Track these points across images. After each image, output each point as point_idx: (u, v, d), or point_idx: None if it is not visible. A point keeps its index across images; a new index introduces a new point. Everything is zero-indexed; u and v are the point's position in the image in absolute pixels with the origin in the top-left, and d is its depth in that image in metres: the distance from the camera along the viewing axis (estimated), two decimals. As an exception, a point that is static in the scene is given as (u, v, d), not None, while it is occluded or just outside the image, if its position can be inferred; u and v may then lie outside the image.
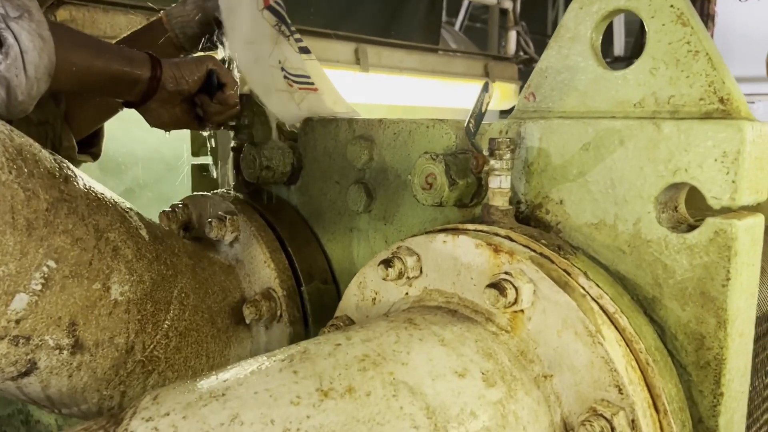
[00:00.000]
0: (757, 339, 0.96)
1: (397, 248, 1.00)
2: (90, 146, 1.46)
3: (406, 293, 1.01)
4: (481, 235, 0.95)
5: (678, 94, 0.90)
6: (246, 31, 1.35)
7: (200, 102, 1.27)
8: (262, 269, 1.28)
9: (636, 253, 0.92)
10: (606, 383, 0.82)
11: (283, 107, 1.36)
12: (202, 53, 1.44)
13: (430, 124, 1.15)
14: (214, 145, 1.58)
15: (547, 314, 0.86)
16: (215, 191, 1.46)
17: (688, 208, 0.93)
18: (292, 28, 1.41)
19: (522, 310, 0.88)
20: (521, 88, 3.94)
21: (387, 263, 0.98)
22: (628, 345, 0.84)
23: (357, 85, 2.91)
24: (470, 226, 0.99)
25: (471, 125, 0.99)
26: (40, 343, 0.94)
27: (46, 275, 0.91)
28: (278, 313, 1.26)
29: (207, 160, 1.69)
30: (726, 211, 0.86)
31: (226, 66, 1.35)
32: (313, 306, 1.29)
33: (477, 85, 3.76)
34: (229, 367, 0.78)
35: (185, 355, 1.15)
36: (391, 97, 3.22)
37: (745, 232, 0.84)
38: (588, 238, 0.96)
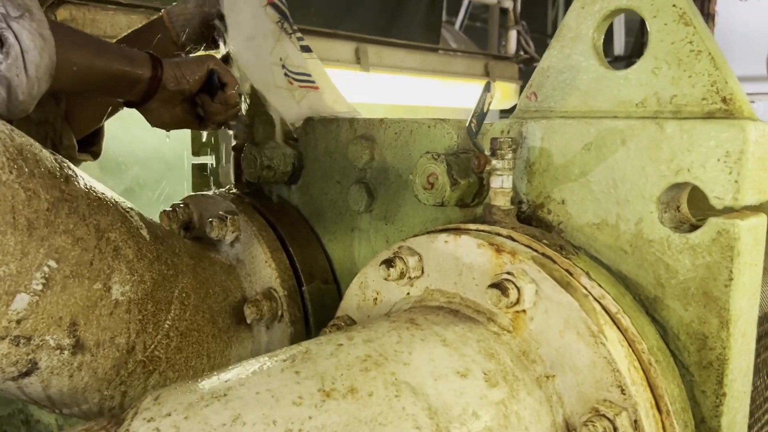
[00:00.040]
0: (759, 339, 0.95)
1: (399, 248, 1.00)
2: (90, 145, 1.45)
3: (408, 293, 1.01)
4: (483, 235, 0.95)
5: (680, 94, 0.90)
6: (248, 27, 1.35)
7: (201, 102, 1.27)
8: (263, 269, 1.28)
9: (638, 253, 0.91)
10: (608, 383, 0.81)
11: (284, 104, 1.36)
12: (203, 53, 1.44)
13: (431, 124, 1.15)
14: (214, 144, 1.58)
15: (549, 314, 0.86)
16: (216, 191, 1.46)
17: (689, 207, 0.93)
18: (294, 27, 1.41)
19: (524, 311, 0.87)
20: (522, 87, 3.95)
21: (388, 263, 0.98)
22: (630, 345, 0.84)
23: (357, 85, 2.91)
24: (472, 226, 0.99)
25: (473, 125, 0.99)
26: (40, 343, 0.93)
27: (47, 275, 0.91)
28: (279, 313, 1.26)
29: (208, 159, 1.69)
30: (728, 211, 0.86)
31: (226, 65, 1.35)
32: (314, 306, 1.29)
33: (477, 85, 3.76)
34: (230, 367, 0.78)
35: (186, 355, 1.15)
36: (392, 96, 3.21)
37: (747, 232, 0.84)
38: (590, 238, 0.96)
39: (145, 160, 2.32)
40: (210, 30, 1.40)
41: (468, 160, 1.05)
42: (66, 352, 0.97)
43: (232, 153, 1.45)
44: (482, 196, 1.08)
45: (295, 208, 1.40)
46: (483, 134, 1.05)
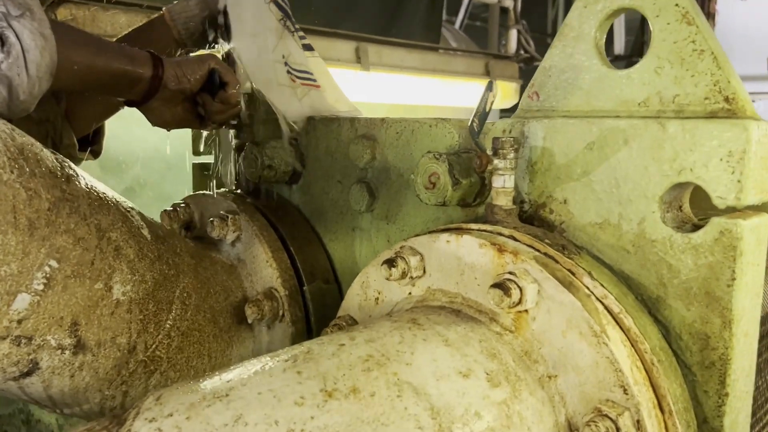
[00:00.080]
0: (761, 338, 0.95)
1: (400, 248, 0.99)
2: (91, 144, 1.45)
3: (410, 293, 1.00)
4: (485, 234, 0.95)
5: (683, 94, 0.90)
6: (251, 23, 1.34)
7: (202, 101, 1.27)
8: (264, 269, 1.27)
9: (640, 252, 0.91)
10: (611, 383, 0.81)
11: (285, 102, 1.35)
12: (203, 51, 1.44)
13: (432, 124, 1.15)
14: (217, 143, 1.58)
15: (551, 314, 0.86)
16: (217, 190, 1.45)
17: (691, 207, 0.93)
18: (296, 25, 1.41)
19: (526, 310, 0.87)
20: (522, 86, 3.95)
21: (390, 263, 0.97)
22: (632, 345, 0.84)
23: (358, 84, 2.91)
24: (474, 226, 0.98)
25: (475, 124, 0.99)
26: (42, 343, 0.93)
27: (48, 275, 0.91)
28: (280, 312, 1.25)
29: (209, 158, 1.68)
30: (731, 211, 0.86)
31: (227, 62, 1.35)
32: (315, 306, 1.29)
33: (478, 84, 3.75)
34: (232, 367, 0.78)
35: (187, 354, 1.15)
36: (392, 96, 3.21)
37: (750, 232, 0.84)
38: (592, 237, 0.96)
39: (145, 159, 2.32)
40: (212, 28, 1.39)
41: (469, 159, 1.05)
42: (67, 351, 0.97)
43: (233, 152, 1.45)
44: (484, 196, 1.08)
45: (296, 208, 1.40)
46: (485, 134, 1.05)
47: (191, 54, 1.40)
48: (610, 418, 0.79)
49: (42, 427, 1.96)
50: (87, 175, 1.03)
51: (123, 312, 1.02)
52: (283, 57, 1.37)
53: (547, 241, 0.93)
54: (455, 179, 1.03)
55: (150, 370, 1.09)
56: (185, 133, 1.61)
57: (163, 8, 1.41)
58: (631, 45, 6.22)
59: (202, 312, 1.17)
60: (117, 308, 1.01)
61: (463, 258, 0.94)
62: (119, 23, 1.99)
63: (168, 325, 1.10)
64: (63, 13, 1.89)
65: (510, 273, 0.87)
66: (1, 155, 0.86)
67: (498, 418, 0.79)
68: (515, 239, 0.93)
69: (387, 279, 0.99)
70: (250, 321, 1.23)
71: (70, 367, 0.98)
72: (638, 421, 0.79)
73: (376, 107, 3.09)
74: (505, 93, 3.76)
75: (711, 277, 0.85)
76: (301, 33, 1.41)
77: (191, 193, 1.44)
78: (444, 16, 4.55)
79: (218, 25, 1.37)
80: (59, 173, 0.95)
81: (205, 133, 1.57)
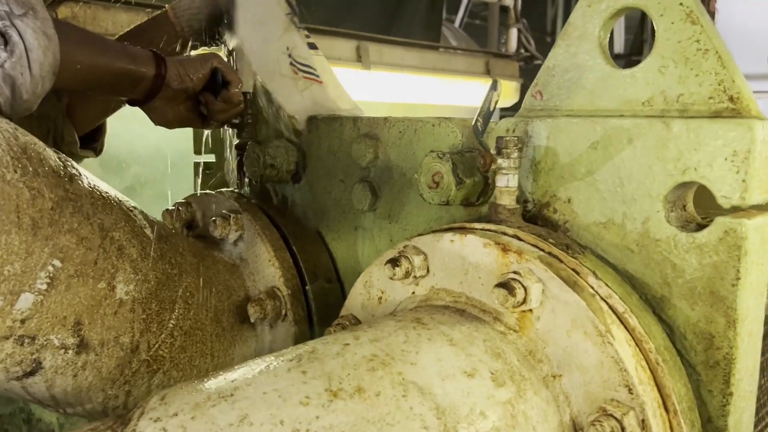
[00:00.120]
0: (764, 337, 0.95)
1: (404, 247, 0.99)
2: (92, 141, 1.45)
3: (413, 292, 1.00)
4: (489, 234, 0.94)
5: (687, 93, 0.90)
6: (259, 12, 1.34)
7: (204, 100, 1.27)
8: (266, 268, 1.27)
9: (645, 252, 0.91)
10: (616, 383, 0.81)
11: (286, 93, 1.35)
12: (205, 50, 1.43)
13: (435, 123, 1.15)
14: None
15: (556, 314, 0.86)
16: (219, 189, 1.45)
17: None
18: (301, 25, 1.41)
19: (531, 310, 0.87)
20: (522, 85, 3.94)
21: (394, 262, 0.97)
22: (637, 345, 0.84)
23: (358, 83, 2.90)
24: (478, 225, 0.98)
25: (479, 123, 0.99)
26: (45, 342, 0.93)
27: (51, 275, 0.91)
28: (283, 312, 1.25)
29: (210, 158, 1.68)
30: (735, 210, 0.86)
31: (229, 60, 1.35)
32: (318, 305, 1.29)
33: (478, 83, 3.74)
34: (236, 367, 0.78)
35: (190, 354, 1.14)
36: (393, 94, 3.21)
37: (755, 232, 0.84)
38: (596, 237, 0.96)
39: (146, 158, 2.31)
40: (217, 25, 1.39)
41: (473, 158, 1.05)
42: (70, 351, 0.96)
43: (235, 151, 1.45)
44: (487, 195, 1.08)
45: (298, 207, 1.40)
46: (488, 133, 1.05)
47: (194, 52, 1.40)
48: (615, 418, 0.79)
49: (43, 427, 1.96)
50: (89, 174, 1.03)
51: (126, 311, 1.02)
52: (288, 49, 1.36)
53: (551, 240, 0.93)
54: (459, 178, 1.03)
55: (153, 370, 1.09)
56: (187, 132, 1.60)
57: (167, 5, 1.40)
58: (630, 44, 6.23)
59: (204, 311, 1.17)
60: (120, 308, 1.01)
61: (467, 257, 0.94)
62: (120, 22, 1.99)
63: (171, 325, 1.10)
64: (64, 12, 1.89)
65: (514, 272, 0.87)
66: (5, 154, 0.86)
67: (503, 417, 0.79)
68: (519, 239, 0.93)
69: (390, 278, 0.99)
70: (252, 320, 1.23)
71: (73, 366, 0.98)
72: (643, 421, 0.79)
73: (376, 106, 3.08)
74: (506, 92, 3.75)
75: (715, 277, 0.85)
76: (305, 32, 1.41)
77: (193, 192, 1.44)
78: (444, 15, 4.55)
79: (223, 23, 1.37)
80: (62, 172, 0.95)
81: (206, 132, 1.57)
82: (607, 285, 0.88)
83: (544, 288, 0.86)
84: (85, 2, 1.93)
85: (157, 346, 1.08)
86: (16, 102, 0.92)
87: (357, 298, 1.07)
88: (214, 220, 1.28)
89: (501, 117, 1.06)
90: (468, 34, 5.01)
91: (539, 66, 1.05)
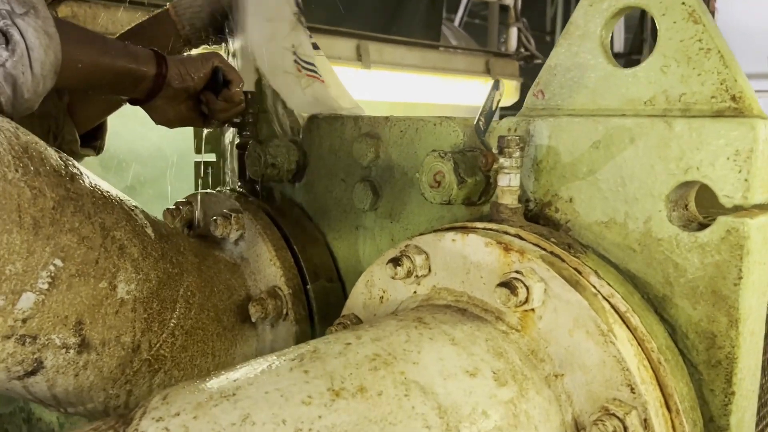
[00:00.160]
0: (766, 336, 0.95)
1: (406, 246, 0.99)
2: (93, 140, 1.45)
3: (415, 292, 1.00)
4: (491, 233, 0.94)
5: (689, 92, 0.90)
6: (268, 8, 1.34)
7: (205, 99, 1.27)
8: (267, 267, 1.27)
9: (647, 251, 0.91)
10: (618, 382, 0.81)
11: (288, 90, 1.35)
12: (206, 49, 1.43)
13: (437, 122, 1.15)
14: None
15: (558, 313, 0.86)
16: (220, 189, 1.45)
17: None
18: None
19: (533, 309, 0.87)
20: (522, 84, 3.93)
21: (395, 261, 0.97)
22: (639, 344, 0.84)
23: (359, 82, 2.90)
24: (479, 225, 0.98)
25: (481, 123, 0.99)
26: (46, 342, 0.93)
27: (52, 274, 0.91)
28: (284, 311, 1.25)
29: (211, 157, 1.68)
30: (737, 210, 0.86)
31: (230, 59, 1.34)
32: (319, 304, 1.29)
33: (478, 82, 3.74)
34: (238, 366, 0.78)
35: (191, 353, 1.14)
36: (393, 93, 3.21)
37: (757, 231, 0.84)
38: (598, 236, 0.96)
39: (146, 157, 2.31)
40: (219, 23, 1.38)
41: (474, 158, 1.05)
42: (72, 351, 0.96)
43: (236, 150, 1.45)
44: (489, 195, 1.08)
45: (299, 206, 1.40)
46: (490, 132, 1.05)
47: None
48: (618, 417, 0.79)
49: (43, 426, 1.96)
50: (91, 173, 1.03)
51: (127, 311, 1.02)
52: (293, 46, 1.36)
53: (553, 239, 0.93)
54: (460, 178, 1.03)
55: (154, 369, 1.09)
56: (187, 131, 1.60)
57: (168, 3, 1.40)
58: (630, 43, 6.23)
59: (205, 311, 1.17)
60: (121, 307, 1.01)
61: (468, 257, 0.94)
62: (120, 21, 1.98)
63: (172, 324, 1.10)
64: (64, 11, 1.89)
65: (516, 272, 0.87)
66: (6, 154, 0.86)
67: (505, 417, 0.79)
68: (521, 238, 0.93)
69: (392, 278, 0.99)
70: (253, 320, 1.23)
71: (75, 366, 0.98)
72: (645, 420, 0.79)
73: (376, 105, 3.08)
74: (506, 91, 3.75)
75: (717, 276, 0.85)
76: (309, 33, 1.42)
77: (193, 192, 1.44)
78: (443, 14, 4.55)
79: (226, 20, 1.36)
80: (63, 172, 0.95)
81: (206, 131, 1.56)
82: (609, 284, 0.88)
83: (546, 287, 0.86)
84: (85, 1, 1.93)
85: (158, 345, 1.08)
86: (17, 101, 0.92)
87: (358, 298, 1.07)
88: (215, 220, 1.28)
89: (501, 116, 1.06)
90: (468, 33, 5.01)
91: (539, 65, 1.05)
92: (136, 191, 2.30)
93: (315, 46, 1.41)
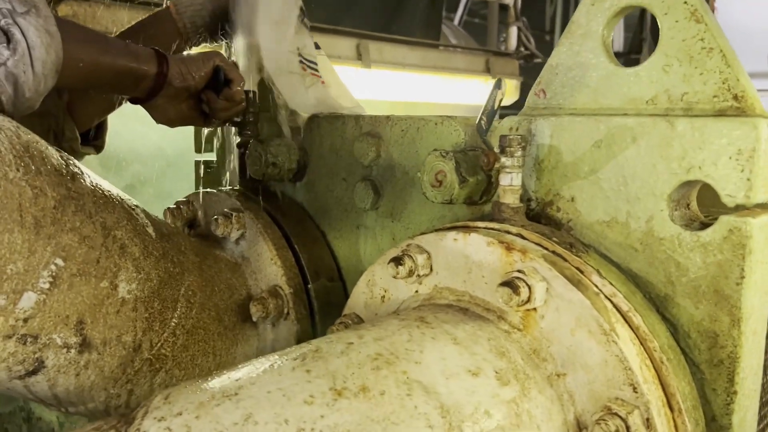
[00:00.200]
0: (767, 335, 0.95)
1: (407, 246, 0.99)
2: (93, 138, 1.44)
3: (416, 291, 1.00)
4: (493, 233, 0.94)
5: (691, 92, 0.90)
6: (277, 12, 1.34)
7: (206, 98, 1.26)
8: (268, 266, 1.27)
9: (648, 250, 0.91)
10: (620, 382, 0.81)
11: (292, 90, 1.35)
12: (207, 47, 1.43)
13: (438, 121, 1.14)
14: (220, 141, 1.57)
15: (560, 312, 0.86)
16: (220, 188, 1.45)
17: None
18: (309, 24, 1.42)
19: (535, 309, 0.87)
20: (522, 84, 3.93)
21: (397, 261, 0.97)
22: (642, 343, 0.84)
23: (359, 81, 2.90)
24: (481, 224, 0.98)
25: (483, 122, 0.98)
26: (47, 341, 0.93)
27: (53, 273, 0.90)
28: (285, 310, 1.25)
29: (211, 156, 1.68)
30: (739, 209, 0.86)
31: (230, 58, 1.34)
32: (320, 303, 1.29)
33: (478, 81, 3.73)
34: (240, 366, 0.77)
35: (192, 353, 1.14)
36: (393, 92, 3.21)
37: (759, 230, 0.84)
38: (600, 235, 0.96)
39: (146, 156, 2.31)
40: (221, 21, 1.38)
41: (476, 157, 1.05)
42: (73, 350, 0.96)
43: (237, 150, 1.44)
44: (490, 194, 1.08)
45: (300, 206, 1.40)
46: (491, 131, 1.05)
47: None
48: (620, 417, 0.79)
49: (43, 425, 1.96)
50: (91, 172, 1.03)
51: (128, 310, 1.02)
52: (298, 49, 1.37)
53: (554, 239, 0.93)
54: (462, 177, 1.03)
55: (155, 369, 1.09)
56: (188, 130, 1.60)
57: (169, 1, 1.39)
58: (629, 42, 6.23)
59: (206, 310, 1.17)
60: (122, 306, 1.01)
61: (470, 256, 0.94)
62: (120, 20, 1.98)
63: (173, 324, 1.10)
64: (64, 10, 1.89)
65: (518, 271, 0.87)
66: (7, 153, 0.86)
67: (507, 416, 0.79)
68: (523, 237, 0.93)
69: (394, 277, 0.98)
70: (254, 319, 1.23)
71: (76, 365, 0.98)
72: (648, 420, 0.79)
73: (376, 104, 3.08)
74: (506, 90, 3.75)
75: (720, 275, 0.85)
76: (311, 33, 1.42)
77: (194, 191, 1.43)
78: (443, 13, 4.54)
79: (227, 19, 1.36)
80: (64, 171, 0.95)
81: (206, 130, 1.56)
82: (611, 284, 0.88)
83: (548, 287, 0.86)
84: (85, 0, 1.93)
85: (159, 344, 1.08)
86: (18, 100, 0.91)
87: (360, 297, 1.06)
88: (216, 219, 1.28)
89: (501, 116, 1.06)
90: (467, 32, 5.01)
91: (539, 64, 1.05)
92: (135, 190, 2.30)
93: (316, 46, 1.41)
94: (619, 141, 0.93)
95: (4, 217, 0.84)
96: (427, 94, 3.42)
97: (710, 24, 0.88)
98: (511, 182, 0.97)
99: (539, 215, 1.02)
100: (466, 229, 0.97)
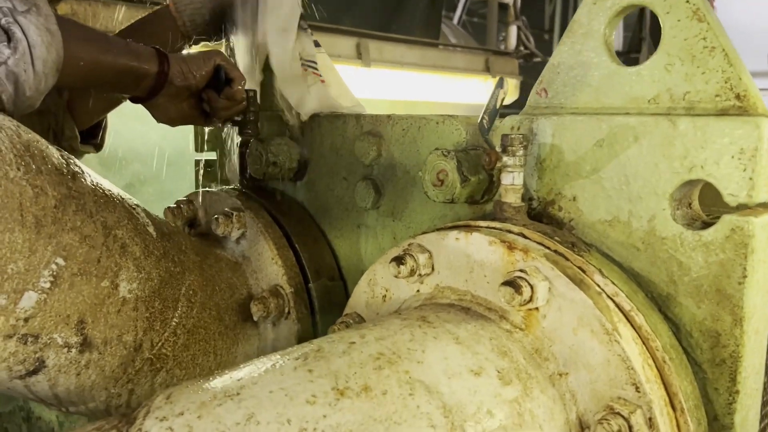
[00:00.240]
0: None
1: (409, 245, 0.99)
2: (93, 137, 1.44)
3: (418, 290, 1.00)
4: (495, 232, 0.94)
5: (693, 91, 0.89)
6: (284, 19, 1.34)
7: (207, 97, 1.26)
8: (269, 266, 1.27)
9: (650, 250, 0.91)
10: (623, 381, 0.81)
11: (294, 91, 1.35)
12: (207, 46, 1.42)
13: (439, 120, 1.14)
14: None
15: (562, 312, 0.85)
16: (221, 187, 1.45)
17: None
18: (307, 23, 1.41)
19: (537, 308, 0.87)
20: (522, 83, 3.93)
21: (399, 260, 0.97)
22: (644, 343, 0.84)
23: (359, 80, 2.90)
24: (482, 223, 0.98)
25: (485, 121, 0.98)
26: (48, 341, 0.93)
27: (54, 273, 0.90)
28: (286, 310, 1.25)
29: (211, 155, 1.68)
30: (741, 208, 0.86)
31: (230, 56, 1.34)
32: (321, 303, 1.28)
33: (478, 80, 3.73)
34: (242, 365, 0.77)
35: (193, 352, 1.14)
36: (393, 91, 3.21)
37: (761, 230, 0.83)
38: (601, 235, 0.95)
39: (145, 155, 2.31)
40: (221, 20, 1.37)
41: (478, 156, 1.05)
42: (73, 350, 0.96)
43: (238, 149, 1.44)
44: (492, 193, 1.08)
45: (300, 205, 1.40)
46: (493, 131, 1.04)
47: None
48: (623, 416, 0.79)
49: (42, 425, 1.96)
50: (92, 172, 1.03)
51: (129, 310, 1.02)
52: (299, 53, 1.37)
53: (556, 238, 0.93)
54: (464, 176, 1.03)
55: (156, 368, 1.09)
56: (188, 130, 1.60)
57: (169, 0, 1.39)
58: (629, 41, 6.23)
59: (207, 309, 1.17)
60: (123, 306, 1.01)
61: (472, 255, 0.94)
62: (120, 19, 1.98)
63: (174, 323, 1.10)
64: (63, 9, 1.88)
65: (520, 270, 0.86)
66: (8, 152, 0.86)
67: (510, 416, 0.79)
68: (525, 236, 0.93)
69: (395, 276, 0.98)
70: (255, 318, 1.23)
71: (77, 365, 0.98)
72: (650, 419, 0.79)
73: (376, 103, 3.08)
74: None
75: (722, 275, 0.85)
76: (309, 30, 1.41)
77: (194, 190, 1.43)
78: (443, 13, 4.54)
79: (227, 17, 1.35)
80: (65, 170, 0.94)
81: (207, 130, 1.56)
82: (613, 283, 0.88)
83: (550, 286, 0.86)
84: (84, -1, 1.93)
85: (160, 344, 1.08)
86: (19, 99, 0.91)
87: (361, 296, 1.06)
88: (217, 218, 1.28)
89: (501, 115, 1.06)
90: (466, 31, 5.01)
91: (538, 63, 1.05)
92: (135, 190, 2.30)
93: (316, 44, 1.41)
94: (621, 140, 0.92)
95: (4, 217, 0.83)
96: (427, 93, 3.42)
97: (712, 23, 0.88)
98: (512, 181, 0.97)
99: (541, 214, 1.02)
100: (468, 228, 0.97)
